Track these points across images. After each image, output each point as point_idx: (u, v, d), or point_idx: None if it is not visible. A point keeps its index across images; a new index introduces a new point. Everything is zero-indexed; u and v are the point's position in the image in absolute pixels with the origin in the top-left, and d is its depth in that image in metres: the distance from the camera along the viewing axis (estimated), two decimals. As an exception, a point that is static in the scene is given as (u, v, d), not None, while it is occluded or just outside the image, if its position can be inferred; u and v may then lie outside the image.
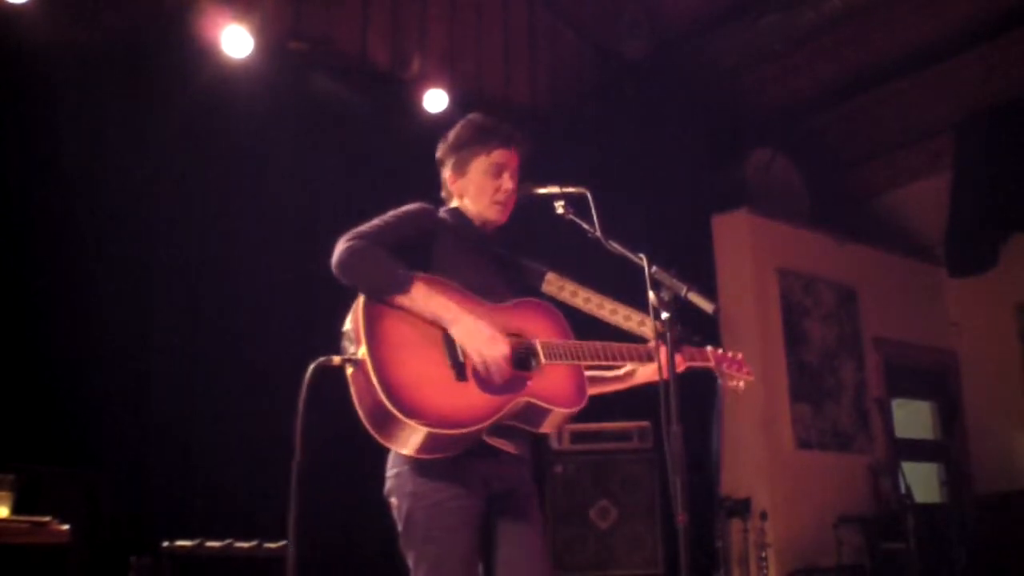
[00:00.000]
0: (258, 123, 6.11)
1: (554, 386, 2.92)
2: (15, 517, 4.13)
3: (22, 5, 5.30)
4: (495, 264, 3.16)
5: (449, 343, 2.83)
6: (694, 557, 2.45)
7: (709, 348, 3.25)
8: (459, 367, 2.81)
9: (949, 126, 8.88)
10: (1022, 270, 8.85)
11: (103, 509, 4.88)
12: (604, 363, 3.02)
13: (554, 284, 3.27)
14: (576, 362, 2.97)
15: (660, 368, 2.75)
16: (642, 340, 3.13)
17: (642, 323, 3.10)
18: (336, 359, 2.78)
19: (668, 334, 2.66)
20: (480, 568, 2.90)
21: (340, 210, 6.31)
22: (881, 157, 9.47)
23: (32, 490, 4.43)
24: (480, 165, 3.11)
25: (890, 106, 8.74)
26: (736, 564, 7.07)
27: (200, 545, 4.42)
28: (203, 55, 5.92)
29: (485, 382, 2.82)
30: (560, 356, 2.94)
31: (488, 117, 3.21)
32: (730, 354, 3.32)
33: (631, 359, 3.04)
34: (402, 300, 2.81)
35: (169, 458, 5.44)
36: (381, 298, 2.82)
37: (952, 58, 8.06)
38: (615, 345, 3.00)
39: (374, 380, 2.69)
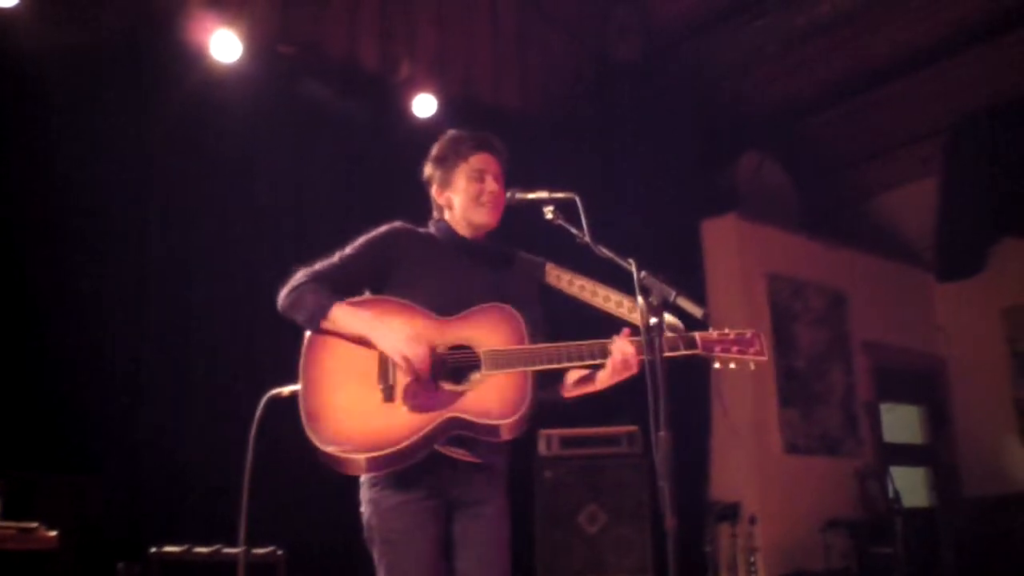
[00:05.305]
0: (247, 127, 6.11)
1: (490, 398, 2.89)
2: (3, 523, 4.12)
3: (11, 8, 5.29)
4: (479, 271, 3.17)
5: (383, 366, 2.92)
6: (683, 561, 2.45)
7: (698, 334, 2.96)
8: (388, 389, 2.89)
9: (939, 130, 8.92)
10: (1010, 274, 8.90)
11: (91, 515, 4.87)
12: (556, 366, 2.95)
13: (552, 274, 3.30)
14: (522, 368, 2.91)
15: (612, 365, 2.86)
16: (631, 326, 3.02)
17: (632, 310, 3.08)
18: (286, 391, 2.93)
19: (657, 338, 2.65)
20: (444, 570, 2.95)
21: (329, 213, 6.32)
22: (870, 161, 9.51)
23: (20, 496, 4.42)
24: (463, 173, 3.18)
25: (880, 110, 8.78)
26: (725, 568, 7.08)
27: (187, 551, 4.41)
28: (192, 59, 5.91)
29: (414, 402, 2.88)
30: (504, 364, 2.91)
31: (462, 129, 3.30)
32: (730, 334, 3.00)
33: (587, 357, 2.94)
34: (327, 326, 2.96)
35: (158, 464, 5.42)
36: (314, 329, 2.98)
37: (942, 62, 8.10)
38: (568, 345, 2.94)
39: (301, 411, 2.86)
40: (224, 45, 5.93)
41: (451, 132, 3.29)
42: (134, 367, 5.55)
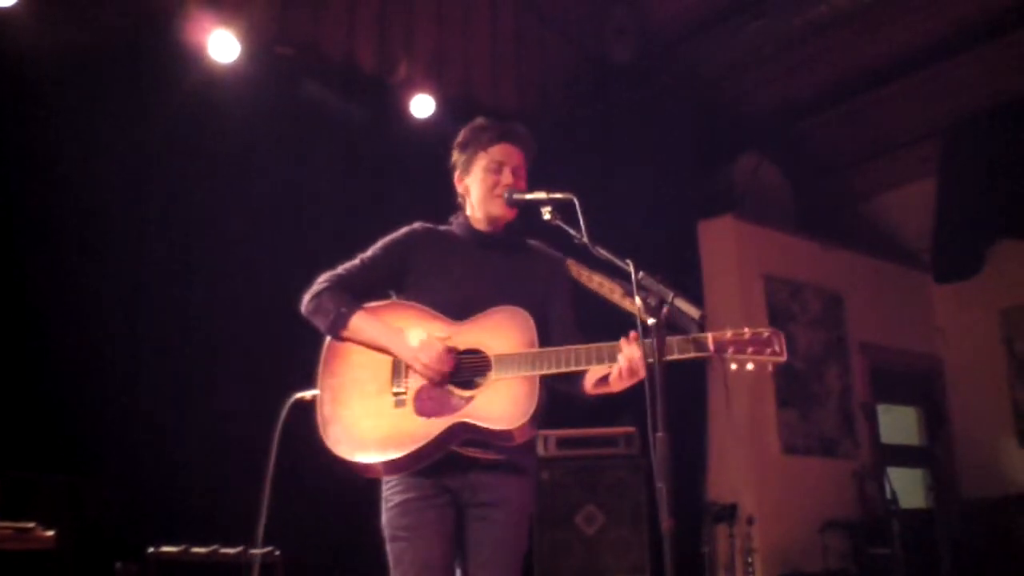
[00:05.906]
0: (246, 127, 6.11)
1: (498, 402, 2.90)
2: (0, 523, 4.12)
3: (10, 8, 5.29)
4: (495, 266, 3.17)
5: (396, 372, 2.97)
6: (680, 562, 2.44)
7: (711, 334, 2.86)
8: (399, 395, 2.94)
9: (939, 130, 8.92)
10: (1007, 275, 8.90)
11: (89, 515, 4.87)
12: (564, 370, 2.92)
13: (573, 269, 3.31)
14: (531, 372, 2.91)
15: (620, 369, 2.83)
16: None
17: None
18: (308, 395, 3.08)
19: (655, 339, 2.65)
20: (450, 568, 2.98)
21: (327, 213, 6.31)
22: (870, 161, 9.50)
23: (18, 495, 4.43)
24: (481, 162, 3.19)
25: (879, 110, 8.78)
26: (723, 569, 7.08)
27: (185, 551, 4.41)
28: (190, 60, 5.91)
29: (424, 408, 2.92)
30: (513, 368, 2.92)
31: (490, 118, 3.29)
32: (746, 333, 2.88)
33: (595, 361, 2.91)
34: (347, 335, 3.02)
35: (156, 464, 5.42)
36: (334, 336, 3.04)
37: (942, 62, 8.09)
38: (576, 349, 2.92)
39: (317, 417, 2.94)
40: (222, 45, 5.93)
41: (478, 119, 3.29)
42: (133, 367, 5.55)
